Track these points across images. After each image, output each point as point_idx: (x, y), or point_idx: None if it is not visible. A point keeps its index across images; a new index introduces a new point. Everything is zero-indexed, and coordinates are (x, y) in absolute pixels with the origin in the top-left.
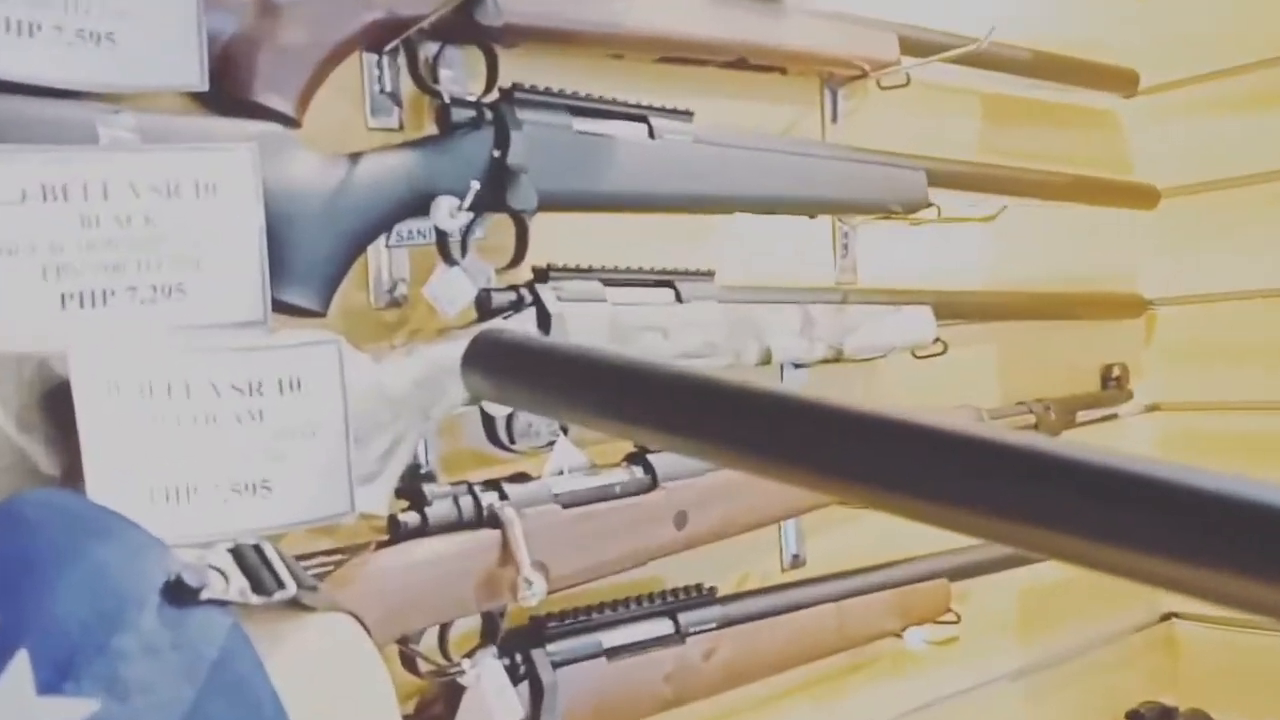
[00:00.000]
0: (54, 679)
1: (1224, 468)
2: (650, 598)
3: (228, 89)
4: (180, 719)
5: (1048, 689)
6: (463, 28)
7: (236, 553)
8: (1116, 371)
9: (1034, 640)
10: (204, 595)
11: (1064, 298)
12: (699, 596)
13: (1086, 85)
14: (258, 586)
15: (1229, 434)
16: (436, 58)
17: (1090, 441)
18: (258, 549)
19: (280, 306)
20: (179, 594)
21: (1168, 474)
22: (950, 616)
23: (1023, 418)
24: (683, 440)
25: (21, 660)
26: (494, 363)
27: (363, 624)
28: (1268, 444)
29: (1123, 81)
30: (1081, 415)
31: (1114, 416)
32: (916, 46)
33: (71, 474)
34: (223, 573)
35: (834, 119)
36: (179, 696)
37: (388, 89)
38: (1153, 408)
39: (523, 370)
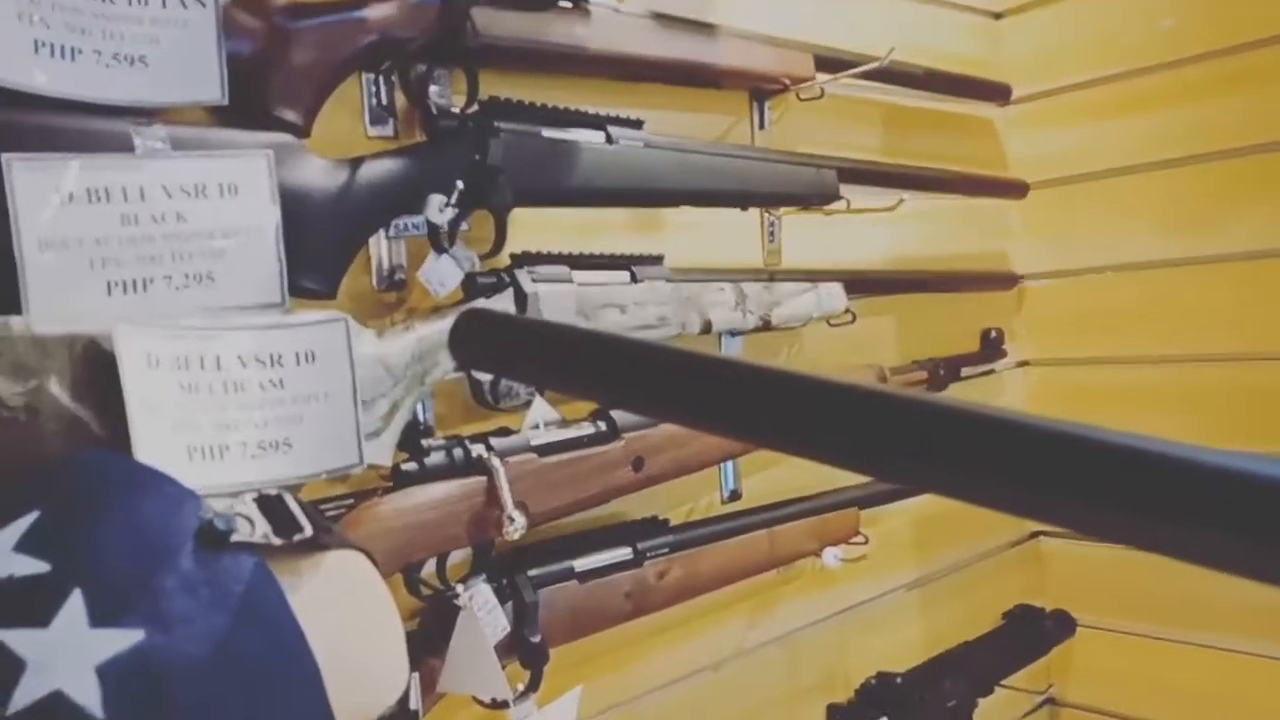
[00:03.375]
0: (105, 614)
1: (1081, 413)
2: (613, 529)
3: (246, 104)
4: (214, 645)
5: (939, 596)
6: (447, 49)
7: (261, 501)
8: (994, 334)
9: (928, 556)
10: (233, 539)
11: (950, 274)
12: (653, 526)
13: (968, 96)
14: (280, 530)
15: (1086, 384)
16: (425, 75)
17: (972, 392)
18: (279, 498)
19: (296, 290)
20: (211, 538)
21: (1014, 420)
22: (860, 538)
23: (918, 374)
24: (631, 400)
25: (76, 599)
26: (476, 337)
27: (372, 559)
28: (1117, 392)
29: (997, 93)
30: (965, 371)
31: (992, 371)
32: (829, 64)
33: (118, 435)
34: (249, 519)
35: (761, 126)
36: (213, 626)
37: (384, 102)
38: (1023, 364)
39: (501, 343)
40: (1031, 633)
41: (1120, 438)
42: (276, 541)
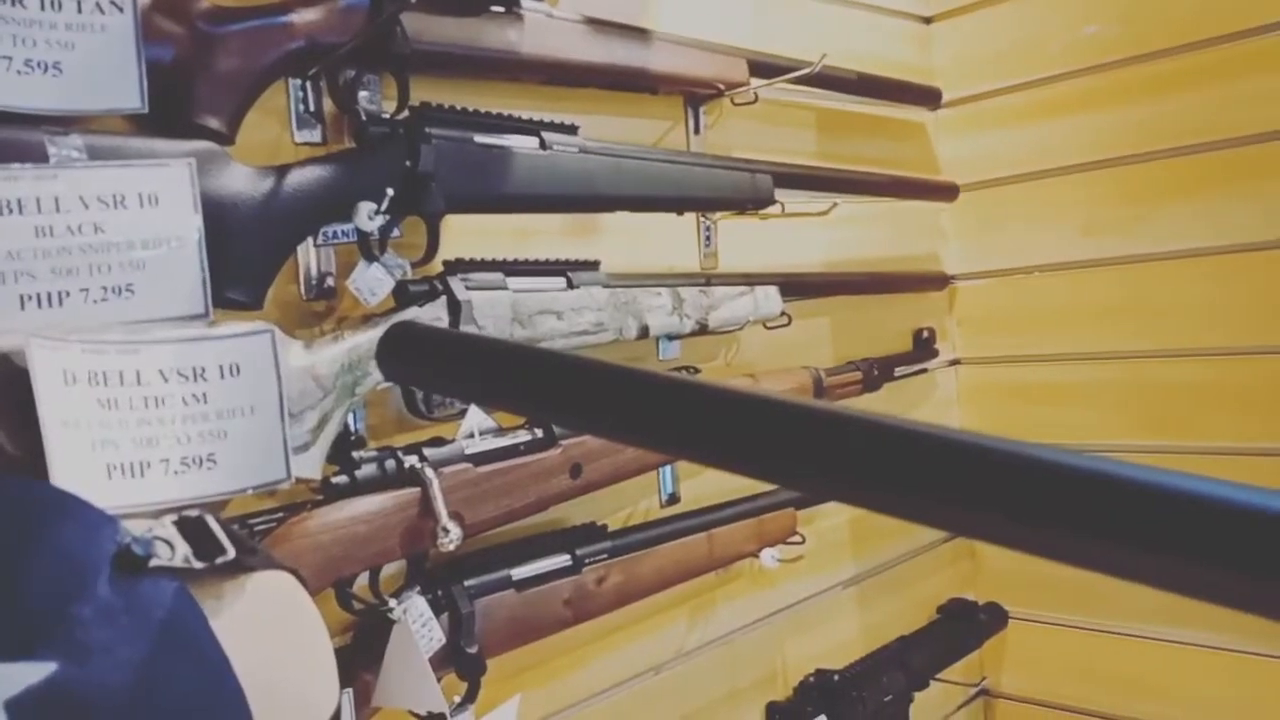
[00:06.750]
0: (14, 647)
1: (1010, 410)
2: (551, 535)
3: (168, 112)
4: (134, 674)
5: (875, 592)
6: (377, 54)
7: (181, 523)
8: (926, 334)
9: (863, 554)
10: (152, 564)
11: (883, 276)
12: (592, 532)
13: (900, 101)
14: (201, 553)
15: (1015, 382)
16: (354, 80)
17: (905, 392)
18: (200, 519)
19: (221, 301)
20: (129, 563)
21: (930, 433)
22: (797, 538)
23: (853, 374)
24: (561, 416)
25: None
26: (404, 353)
27: (300, 577)
28: (1046, 389)
29: (929, 97)
30: (899, 370)
31: (924, 370)
32: (763, 69)
33: (35, 454)
34: (168, 542)
35: (696, 131)
36: (133, 655)
37: (311, 108)
38: (954, 362)
39: (429, 358)
40: (965, 626)
41: (1042, 452)
42: (198, 565)
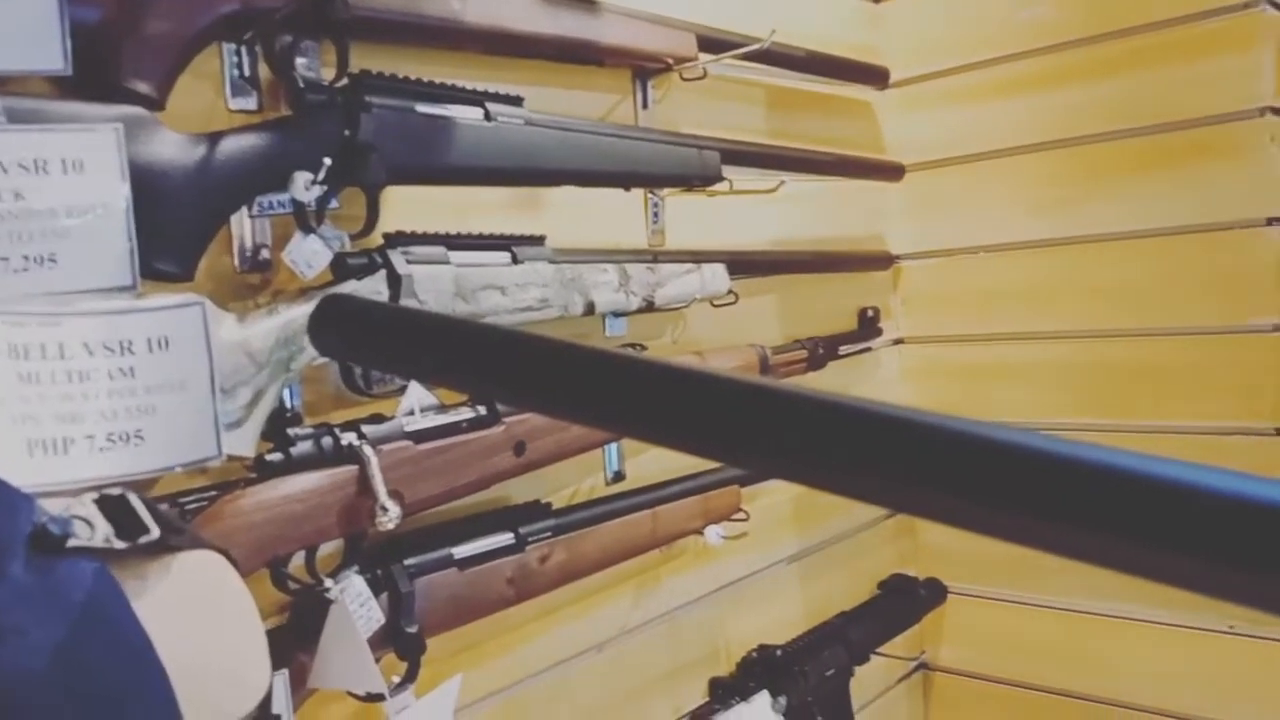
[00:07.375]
0: None
1: (952, 388)
2: (495, 514)
3: (94, 75)
4: (51, 658)
5: (817, 568)
6: (315, 19)
7: (101, 502)
8: (871, 313)
9: (806, 530)
10: (70, 544)
11: (829, 255)
12: (536, 510)
13: (848, 80)
14: (122, 532)
15: (958, 361)
16: (291, 46)
17: (849, 370)
18: (121, 498)
19: (150, 272)
20: (46, 544)
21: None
22: (741, 515)
23: (798, 352)
24: (499, 392)
25: None
26: (338, 327)
27: (229, 557)
28: (987, 368)
29: (876, 77)
30: (843, 349)
31: (869, 349)
32: (712, 44)
33: None
34: (88, 522)
35: (644, 106)
36: (50, 637)
37: (246, 74)
38: (898, 341)
39: (364, 333)
40: (905, 601)
41: (985, 430)
42: (119, 545)
